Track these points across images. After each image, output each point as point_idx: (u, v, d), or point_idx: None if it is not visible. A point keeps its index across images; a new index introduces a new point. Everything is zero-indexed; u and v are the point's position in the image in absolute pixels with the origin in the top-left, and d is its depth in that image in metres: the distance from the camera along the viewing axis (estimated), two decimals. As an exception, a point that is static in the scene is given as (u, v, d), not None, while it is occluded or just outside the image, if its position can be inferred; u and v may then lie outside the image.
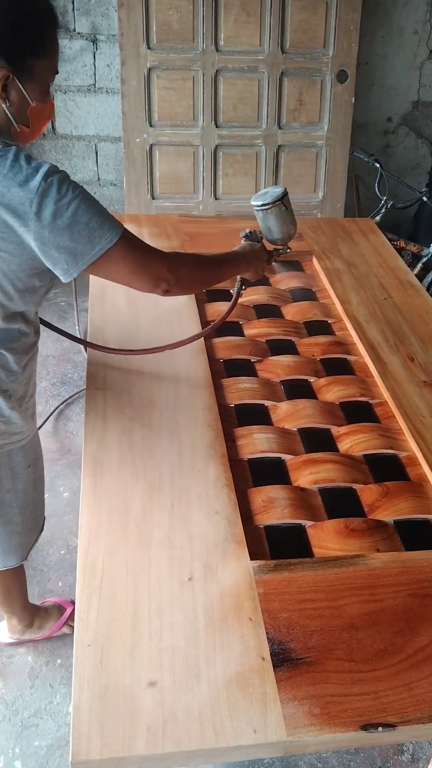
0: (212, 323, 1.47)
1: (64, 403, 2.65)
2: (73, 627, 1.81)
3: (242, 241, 1.49)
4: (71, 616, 1.81)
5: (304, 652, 0.93)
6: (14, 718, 1.62)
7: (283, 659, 0.92)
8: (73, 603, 1.85)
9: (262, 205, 1.47)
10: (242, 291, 1.47)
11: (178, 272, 1.21)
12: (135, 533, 1.07)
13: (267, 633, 0.94)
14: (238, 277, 1.47)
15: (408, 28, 3.46)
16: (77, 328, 3.02)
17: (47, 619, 1.79)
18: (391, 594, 1.01)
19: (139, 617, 0.95)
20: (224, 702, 0.86)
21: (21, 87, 1.07)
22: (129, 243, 1.13)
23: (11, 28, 1.02)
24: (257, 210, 1.49)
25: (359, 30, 3.12)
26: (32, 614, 1.76)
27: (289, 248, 1.57)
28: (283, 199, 1.48)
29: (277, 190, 1.50)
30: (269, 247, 1.61)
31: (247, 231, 1.52)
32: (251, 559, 1.04)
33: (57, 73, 1.12)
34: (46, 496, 2.23)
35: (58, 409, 2.63)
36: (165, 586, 0.99)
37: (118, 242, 1.09)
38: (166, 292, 1.22)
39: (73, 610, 1.82)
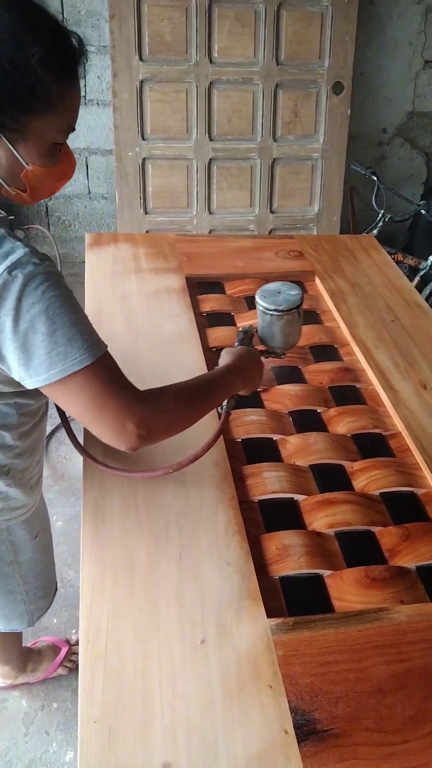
0: (199, 450, 1.11)
1: (58, 427, 2.57)
2: (69, 668, 1.72)
3: (235, 344, 1.23)
4: (66, 657, 1.73)
5: (330, 723, 0.85)
6: (9, 771, 1.54)
7: (307, 732, 0.84)
8: (67, 642, 1.77)
9: (274, 310, 1.21)
10: (232, 410, 1.19)
11: (152, 424, 0.94)
12: (141, 589, 0.99)
13: (289, 702, 0.87)
14: None
15: (402, 39, 3.43)
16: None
17: (41, 662, 1.70)
18: (418, 652, 0.94)
19: (150, 687, 0.87)
20: (246, 786, 0.78)
21: (11, 148, 0.87)
22: (100, 372, 0.88)
23: None
24: (265, 312, 1.22)
25: (354, 41, 3.07)
26: (26, 658, 1.67)
27: (284, 355, 1.32)
28: (299, 308, 1.22)
29: (294, 294, 1.23)
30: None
31: (246, 328, 1.25)
32: (268, 617, 0.96)
33: (72, 130, 0.91)
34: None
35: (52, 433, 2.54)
36: (176, 651, 0.91)
37: (86, 368, 0.86)
38: (131, 449, 0.95)
39: (69, 650, 1.74)
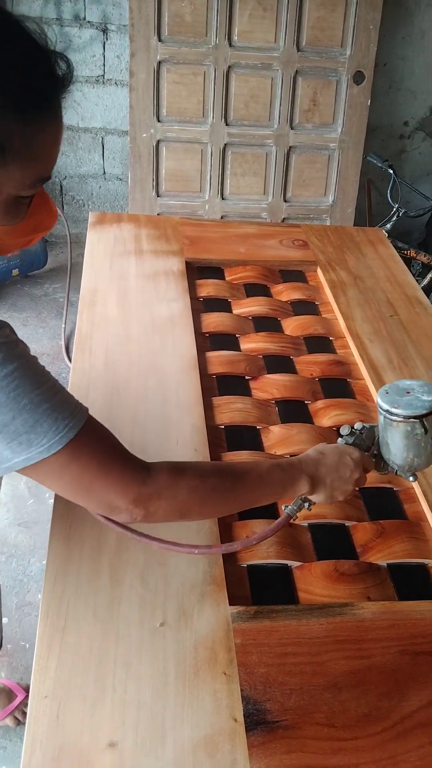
0: (250, 537, 0.95)
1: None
2: (18, 720, 1.59)
3: (338, 441, 0.98)
4: (19, 706, 1.59)
5: (281, 714, 0.85)
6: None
7: (257, 722, 0.84)
8: (26, 690, 1.62)
9: (387, 411, 0.93)
10: (298, 513, 0.95)
11: (152, 506, 0.79)
12: (107, 570, 0.99)
13: (242, 690, 0.86)
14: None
15: (429, 30, 3.36)
16: (64, 326, 2.94)
17: None
18: (379, 650, 0.93)
19: (104, 666, 0.87)
20: (189, 770, 0.78)
21: None
22: (77, 453, 0.73)
23: None
24: (380, 412, 0.95)
25: (378, 30, 3.01)
26: None
27: (414, 477, 1.00)
28: (425, 417, 0.92)
29: (426, 400, 0.93)
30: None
31: (353, 428, 0.99)
32: (231, 604, 0.96)
33: (46, 180, 0.70)
34: (30, 502, 2.17)
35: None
36: (134, 632, 0.91)
37: (58, 453, 0.71)
38: (130, 522, 0.81)
39: (25, 698, 1.59)
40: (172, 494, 0.80)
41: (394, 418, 0.92)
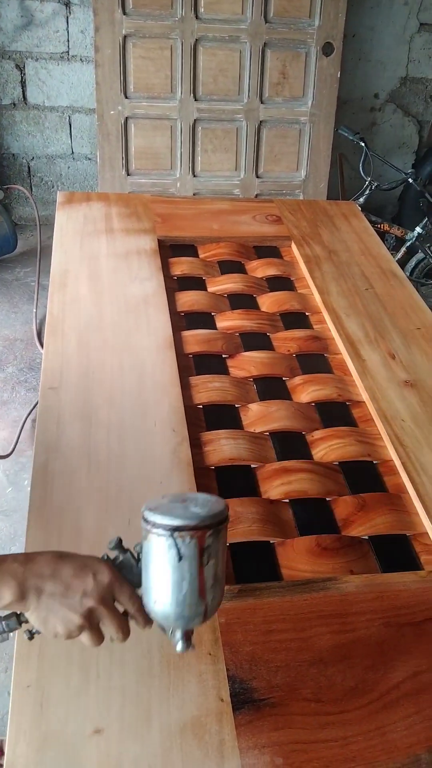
0: None
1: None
2: None
3: (108, 553, 0.73)
4: None
5: (268, 692, 0.84)
6: (-32, 730, 1.54)
7: (243, 700, 0.83)
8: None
9: (149, 523, 0.67)
10: (10, 633, 0.71)
11: None
12: (86, 554, 0.97)
13: (228, 670, 0.86)
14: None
15: None
16: (35, 311, 2.88)
17: None
18: (363, 623, 0.93)
19: (88, 653, 0.85)
20: (177, 752, 0.78)
21: None
22: None
23: None
24: (144, 524, 0.68)
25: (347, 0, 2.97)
26: None
27: (185, 644, 0.71)
28: (208, 533, 0.65)
29: (203, 512, 0.66)
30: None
31: (116, 541, 0.73)
32: (213, 584, 0.95)
33: None
34: (8, 490, 2.14)
35: (31, 402, 2.51)
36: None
37: None
38: None
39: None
40: None
41: (147, 526, 0.67)
